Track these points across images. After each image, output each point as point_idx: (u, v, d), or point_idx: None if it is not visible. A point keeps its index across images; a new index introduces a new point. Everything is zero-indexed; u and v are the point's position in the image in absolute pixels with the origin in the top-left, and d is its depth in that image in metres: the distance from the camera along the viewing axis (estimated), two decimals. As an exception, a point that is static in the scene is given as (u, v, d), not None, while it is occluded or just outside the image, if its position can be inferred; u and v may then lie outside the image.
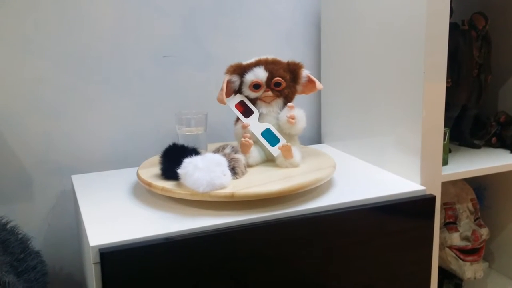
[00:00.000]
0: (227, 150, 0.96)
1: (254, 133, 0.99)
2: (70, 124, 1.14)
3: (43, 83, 1.10)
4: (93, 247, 0.75)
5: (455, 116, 1.18)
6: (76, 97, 1.14)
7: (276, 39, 1.29)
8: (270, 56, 1.02)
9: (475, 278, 1.19)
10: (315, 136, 1.36)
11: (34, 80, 1.10)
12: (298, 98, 1.04)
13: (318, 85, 1.02)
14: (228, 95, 1.01)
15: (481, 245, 1.19)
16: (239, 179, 0.91)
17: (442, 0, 0.92)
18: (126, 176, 1.06)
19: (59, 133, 1.13)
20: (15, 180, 1.11)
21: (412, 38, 0.96)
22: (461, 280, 1.24)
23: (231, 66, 1.01)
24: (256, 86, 0.99)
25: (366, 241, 0.91)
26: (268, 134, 0.99)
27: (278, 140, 0.98)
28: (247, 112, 1.00)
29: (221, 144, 1.01)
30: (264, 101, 1.00)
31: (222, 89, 0.99)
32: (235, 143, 1.01)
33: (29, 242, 1.00)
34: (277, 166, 0.98)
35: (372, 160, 1.12)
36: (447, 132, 1.05)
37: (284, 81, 1.00)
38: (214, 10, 1.22)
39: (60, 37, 1.10)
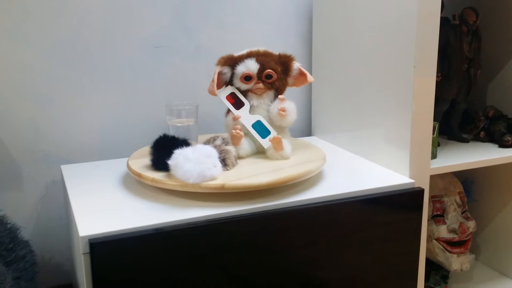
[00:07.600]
0: (218, 142, 0.96)
1: (245, 125, 0.99)
2: (59, 112, 1.13)
3: (32, 70, 1.09)
4: (83, 237, 0.75)
5: (444, 110, 1.18)
6: (65, 86, 1.13)
7: (268, 31, 1.29)
8: (261, 48, 1.02)
9: (461, 270, 1.20)
10: (306, 129, 1.36)
11: (22, 67, 1.09)
12: (289, 90, 1.04)
13: (309, 77, 1.02)
14: (219, 86, 1.01)
15: (468, 238, 1.20)
16: (230, 170, 0.91)
17: (433, -5, 0.92)
18: (116, 167, 1.06)
19: (48, 122, 1.12)
20: (3, 169, 1.10)
21: (403, 32, 0.96)
22: (447, 271, 1.26)
23: (222, 58, 1.01)
24: (247, 78, 0.99)
25: (355, 232, 0.92)
26: (258, 126, 0.99)
27: (268, 132, 0.99)
28: (238, 104, 1.00)
29: (212, 135, 1.01)
30: (255, 93, 1.00)
31: (213, 81, 0.99)
32: (225, 135, 1.01)
33: (18, 231, 1.00)
34: (267, 158, 0.98)
35: (361, 152, 1.13)
36: (436, 126, 1.06)
37: (275, 73, 1.00)
38: (205, 0, 1.21)
39: (49, 24, 1.09)
